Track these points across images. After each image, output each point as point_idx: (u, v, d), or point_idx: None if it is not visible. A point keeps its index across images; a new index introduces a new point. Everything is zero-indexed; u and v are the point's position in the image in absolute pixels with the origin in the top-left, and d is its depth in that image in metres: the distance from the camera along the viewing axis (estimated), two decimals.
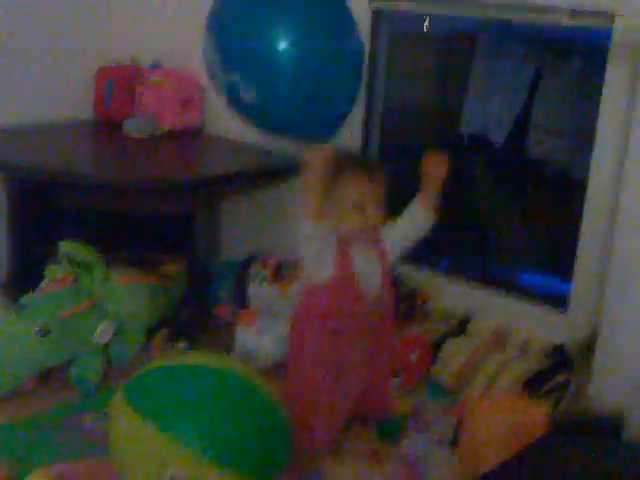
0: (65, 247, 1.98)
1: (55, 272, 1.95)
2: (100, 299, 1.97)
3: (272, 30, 2.02)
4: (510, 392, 1.91)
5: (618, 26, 1.86)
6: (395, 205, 1.72)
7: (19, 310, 1.89)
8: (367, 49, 2.26)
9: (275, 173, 2.38)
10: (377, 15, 2.30)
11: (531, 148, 2.68)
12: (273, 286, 2.30)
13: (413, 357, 2.10)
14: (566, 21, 1.98)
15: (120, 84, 2.55)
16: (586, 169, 2.01)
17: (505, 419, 1.70)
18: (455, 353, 2.09)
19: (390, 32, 2.37)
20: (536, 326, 2.13)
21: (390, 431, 1.82)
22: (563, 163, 2.64)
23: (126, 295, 2.03)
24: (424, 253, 1.97)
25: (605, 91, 1.92)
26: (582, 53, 2.51)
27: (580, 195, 2.03)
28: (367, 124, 2.40)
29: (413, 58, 2.69)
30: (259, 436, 1.47)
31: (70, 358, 1.92)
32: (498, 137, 2.71)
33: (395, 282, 2.22)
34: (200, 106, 2.55)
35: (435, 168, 1.70)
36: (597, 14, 1.90)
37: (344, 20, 2.14)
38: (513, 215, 2.80)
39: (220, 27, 2.11)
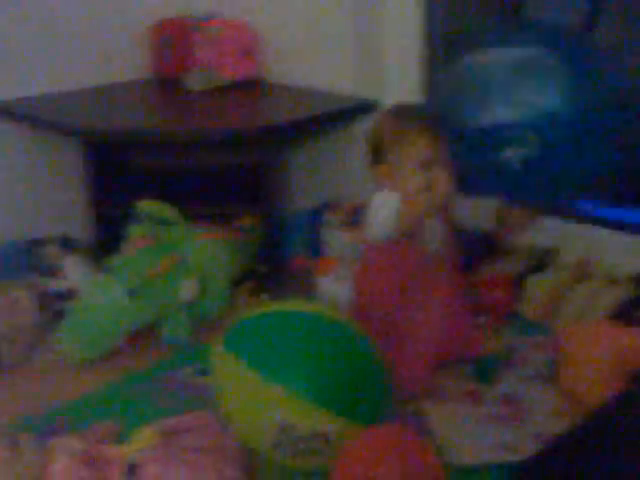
0: (144, 206, 1.98)
1: (136, 232, 1.96)
2: (183, 256, 1.97)
3: None
4: (602, 322, 1.88)
5: None
6: None
7: (106, 272, 1.91)
8: None
9: (341, 117, 2.33)
10: None
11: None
12: (348, 232, 2.28)
13: (498, 294, 2.08)
14: None
15: (176, 38, 2.50)
16: None
17: (607, 346, 1.66)
18: (540, 287, 2.06)
19: None
20: (621, 255, 2.08)
21: (486, 369, 1.80)
22: None
23: (208, 250, 2.02)
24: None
25: None
26: None
27: None
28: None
29: None
30: (360, 378, 1.48)
31: (159, 317, 1.94)
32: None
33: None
34: (259, 55, 2.50)
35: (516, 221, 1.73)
36: None
37: None
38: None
39: None
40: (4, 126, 2.28)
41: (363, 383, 1.48)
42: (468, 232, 2.07)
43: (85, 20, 2.40)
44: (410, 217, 1.66)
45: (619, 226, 2.14)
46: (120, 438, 1.56)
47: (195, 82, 2.43)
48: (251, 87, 2.48)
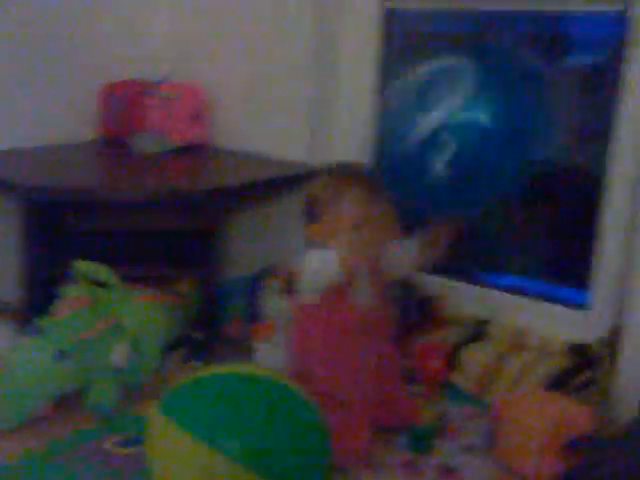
0: (81, 267, 1.93)
1: (72, 292, 1.91)
2: (117, 318, 1.93)
3: None
4: (540, 391, 1.89)
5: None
6: None
7: (35, 334, 1.84)
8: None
9: (288, 183, 2.34)
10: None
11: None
12: (286, 298, 2.27)
13: (432, 364, 2.09)
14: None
15: (125, 100, 2.50)
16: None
17: (543, 415, 1.67)
18: (475, 358, 2.08)
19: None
20: (555, 326, 2.12)
21: (422, 439, 1.79)
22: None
23: (142, 313, 1.98)
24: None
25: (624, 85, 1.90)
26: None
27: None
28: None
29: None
30: (296, 443, 1.44)
31: (87, 382, 1.87)
32: None
33: (410, 291, 2.22)
34: (209, 120, 2.52)
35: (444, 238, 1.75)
36: None
37: None
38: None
39: None
40: None
41: (299, 448, 1.44)
42: (403, 296, 2.09)
43: (37, 79, 2.40)
44: (340, 273, 1.66)
45: (551, 299, 2.19)
46: None
47: (144, 145, 2.42)
48: (200, 151, 2.49)
